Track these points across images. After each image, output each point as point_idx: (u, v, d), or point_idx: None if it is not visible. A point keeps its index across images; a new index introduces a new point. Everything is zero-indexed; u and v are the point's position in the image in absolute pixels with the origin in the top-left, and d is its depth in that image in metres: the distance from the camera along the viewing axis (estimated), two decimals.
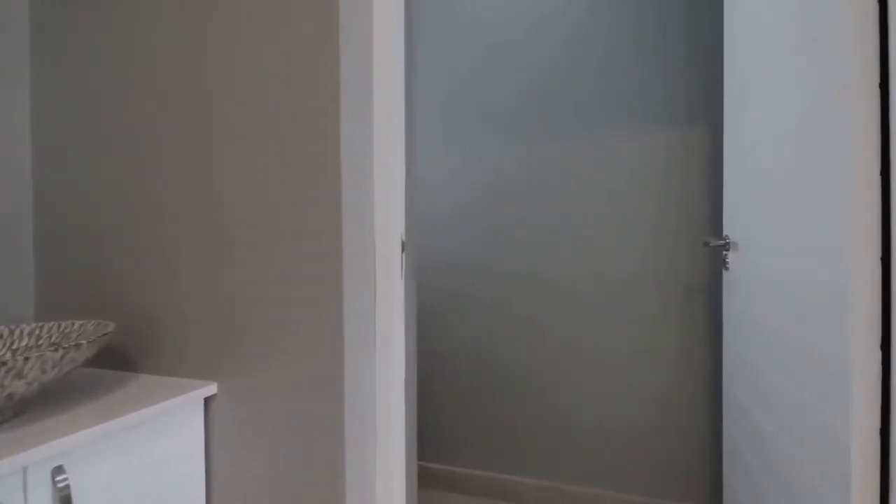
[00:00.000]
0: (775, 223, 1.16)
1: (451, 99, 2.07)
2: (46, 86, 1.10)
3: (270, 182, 0.92)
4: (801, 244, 1.02)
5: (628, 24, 1.85)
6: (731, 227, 1.52)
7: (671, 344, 1.82)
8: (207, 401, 0.97)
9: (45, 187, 1.11)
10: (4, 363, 0.68)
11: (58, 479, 0.72)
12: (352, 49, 0.90)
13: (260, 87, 0.92)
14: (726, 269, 1.56)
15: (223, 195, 0.95)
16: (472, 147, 2.04)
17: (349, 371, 0.90)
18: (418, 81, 2.11)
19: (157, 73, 1.00)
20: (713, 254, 1.78)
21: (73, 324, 0.97)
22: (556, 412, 1.95)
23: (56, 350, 0.75)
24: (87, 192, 1.07)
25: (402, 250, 1.04)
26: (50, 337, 0.96)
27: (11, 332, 0.94)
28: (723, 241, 1.54)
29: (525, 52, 1.98)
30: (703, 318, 1.79)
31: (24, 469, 0.69)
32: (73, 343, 0.78)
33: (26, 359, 0.70)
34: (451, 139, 2.07)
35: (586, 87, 1.90)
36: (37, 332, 0.95)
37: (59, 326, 0.97)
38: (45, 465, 0.71)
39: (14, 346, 0.94)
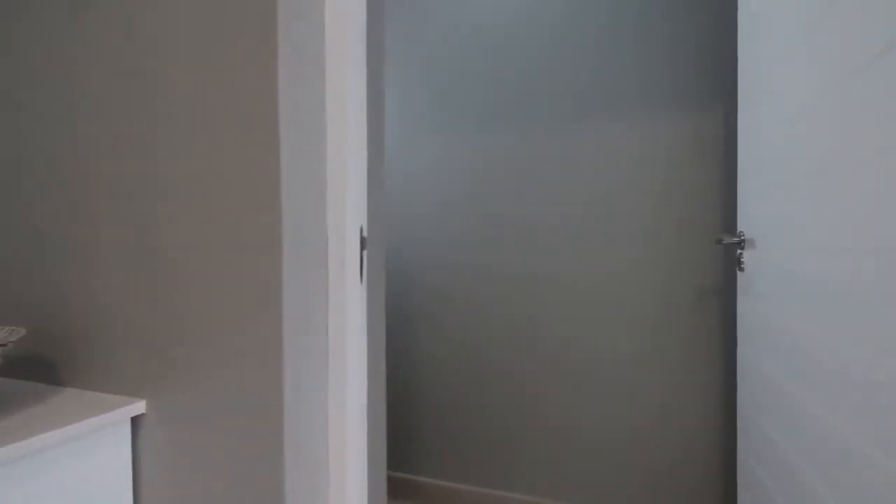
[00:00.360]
0: (802, 216, 1.00)
1: (441, 89, 1.92)
2: None
3: (200, 171, 0.79)
4: (837, 240, 0.86)
5: (629, 1, 1.69)
6: (747, 222, 1.36)
7: (678, 351, 1.67)
8: (135, 421, 0.85)
9: None
10: None
11: None
12: (295, 20, 0.77)
13: (195, 65, 0.79)
14: (741, 269, 1.40)
15: (148, 190, 0.83)
16: (464, 139, 1.90)
17: (289, 386, 0.76)
18: (406, 71, 1.97)
19: (92, 58, 0.88)
20: (726, 252, 1.62)
21: None
22: (553, 422, 1.81)
23: None
24: (12, 187, 0.95)
25: (364, 247, 0.91)
26: None
27: None
28: (737, 239, 1.38)
29: (519, 35, 1.83)
30: (715, 323, 1.63)
31: None
32: None
33: None
34: (441, 131, 1.93)
35: (585, 72, 1.75)
36: None
37: None
38: None
39: None
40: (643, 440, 1.71)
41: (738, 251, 1.40)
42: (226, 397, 0.78)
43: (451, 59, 1.91)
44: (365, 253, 0.92)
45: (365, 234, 0.91)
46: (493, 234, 1.87)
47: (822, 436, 0.90)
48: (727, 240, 1.36)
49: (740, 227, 1.42)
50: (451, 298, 1.93)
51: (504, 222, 1.86)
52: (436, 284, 1.95)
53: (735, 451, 1.61)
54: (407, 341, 2.00)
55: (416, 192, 1.97)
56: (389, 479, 2.03)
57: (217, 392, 0.79)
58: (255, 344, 0.76)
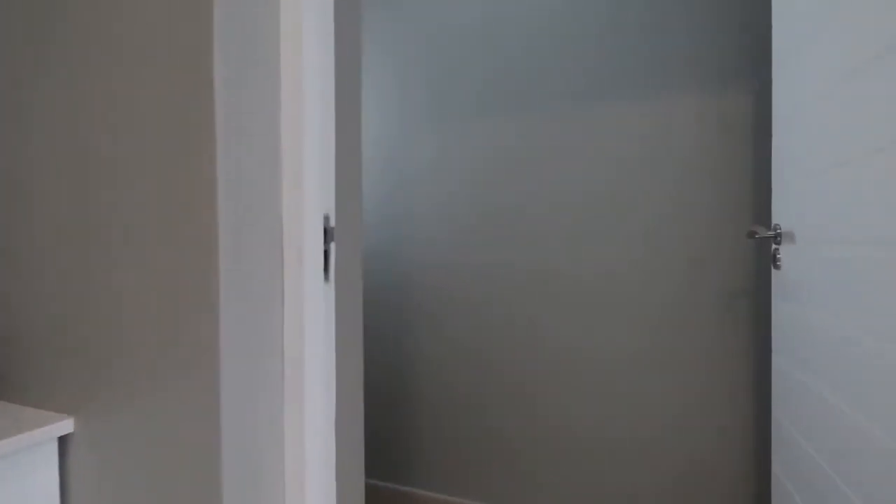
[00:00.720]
0: (855, 204, 0.84)
1: (441, 88, 1.79)
2: None
3: (131, 162, 0.67)
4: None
5: None
6: (784, 213, 1.19)
7: (700, 357, 1.50)
8: (63, 441, 0.73)
9: None
10: None
11: None
12: None
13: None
14: (777, 266, 1.23)
15: (79, 188, 0.71)
16: (464, 137, 1.76)
17: (228, 402, 0.64)
18: (405, 71, 1.84)
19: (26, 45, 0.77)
20: (759, 248, 1.44)
21: None
22: (560, 428, 1.65)
23: None
24: None
25: (331, 240, 0.78)
26: None
27: None
28: (772, 232, 1.21)
29: (518, 20, 1.68)
30: (745, 327, 1.45)
31: None
32: None
33: None
34: (440, 129, 1.79)
35: (595, 50, 1.59)
36: None
37: None
38: None
39: None
40: (657, 453, 1.54)
41: (774, 246, 1.23)
42: (159, 416, 0.66)
43: (451, 53, 1.79)
44: (333, 246, 0.79)
45: (332, 223, 0.78)
46: (495, 232, 1.73)
47: (887, 470, 0.73)
48: (762, 233, 1.19)
49: (776, 218, 1.25)
50: (447, 298, 1.80)
51: (505, 222, 1.72)
52: (436, 284, 1.82)
53: (764, 471, 1.43)
54: (406, 342, 1.87)
55: (415, 191, 1.85)
56: (382, 492, 1.90)
57: (150, 410, 0.67)
58: (189, 355, 0.63)
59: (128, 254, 0.67)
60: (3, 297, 0.79)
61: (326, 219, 0.77)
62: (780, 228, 1.21)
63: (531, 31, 1.68)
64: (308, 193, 0.71)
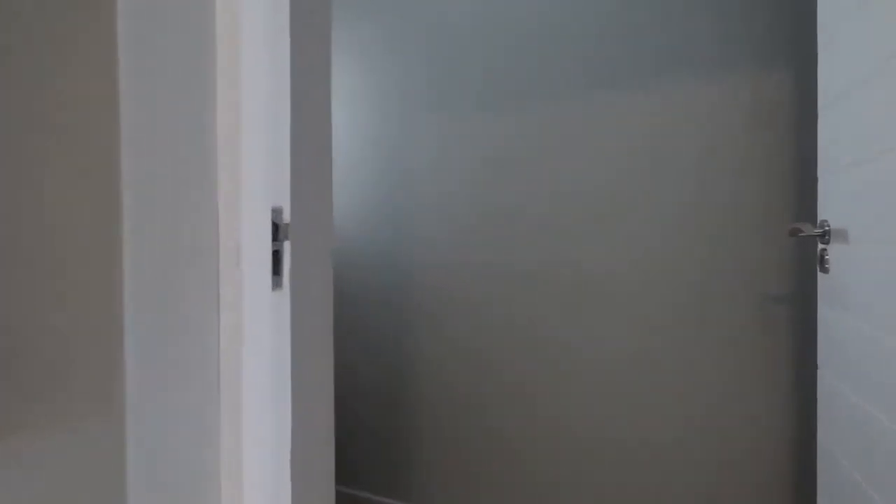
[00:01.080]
0: None
1: (438, 73, 1.66)
2: None
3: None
4: None
5: None
6: (833, 208, 1.02)
7: (717, 365, 1.33)
8: None
9: None
10: None
11: None
12: None
13: None
14: (824, 269, 1.06)
15: None
16: (464, 135, 1.63)
17: (138, 433, 0.52)
18: (405, 72, 1.71)
19: None
20: (801, 248, 1.27)
21: None
22: (562, 432, 1.51)
23: None
24: None
25: (283, 238, 0.65)
26: None
27: None
28: (819, 230, 1.04)
29: (519, 4, 1.53)
30: (784, 338, 1.28)
31: None
32: None
33: None
34: (441, 128, 1.66)
35: (610, 27, 1.43)
36: None
37: None
38: None
39: None
40: (659, 456, 1.38)
41: (821, 247, 1.06)
42: (66, 450, 0.55)
43: (451, 50, 1.66)
44: (287, 245, 0.66)
45: (286, 219, 0.66)
46: (495, 232, 1.60)
47: None
48: (808, 231, 1.02)
49: (822, 214, 1.08)
50: (449, 299, 1.67)
51: (505, 222, 1.59)
52: (436, 284, 1.69)
53: (804, 492, 1.26)
54: (406, 342, 1.76)
55: (415, 190, 1.73)
56: None
57: (55, 445, 0.56)
58: (93, 379, 0.52)
59: (37, 273, 0.56)
60: None
61: (277, 213, 0.64)
62: (828, 226, 1.03)
63: (531, 26, 1.54)
64: (248, 181, 0.58)
